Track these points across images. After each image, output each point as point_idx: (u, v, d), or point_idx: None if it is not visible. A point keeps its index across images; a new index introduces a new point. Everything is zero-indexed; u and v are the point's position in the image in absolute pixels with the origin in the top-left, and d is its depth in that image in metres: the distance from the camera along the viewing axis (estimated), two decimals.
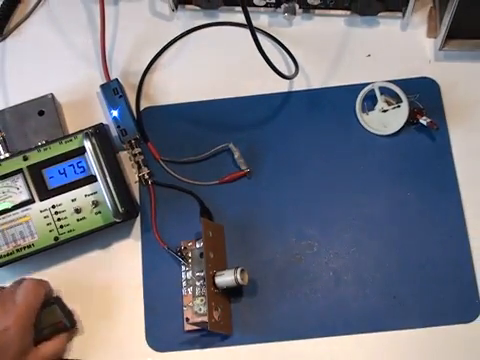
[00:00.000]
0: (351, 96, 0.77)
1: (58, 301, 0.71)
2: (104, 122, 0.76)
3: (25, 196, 0.72)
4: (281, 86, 0.79)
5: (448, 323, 0.69)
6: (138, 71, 0.82)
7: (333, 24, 0.81)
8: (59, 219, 0.72)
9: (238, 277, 0.68)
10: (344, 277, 0.71)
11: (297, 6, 0.79)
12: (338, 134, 0.77)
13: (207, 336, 0.70)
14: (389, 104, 0.75)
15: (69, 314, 0.71)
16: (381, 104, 0.76)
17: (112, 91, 0.77)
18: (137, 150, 0.76)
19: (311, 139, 0.77)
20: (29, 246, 0.72)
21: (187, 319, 0.70)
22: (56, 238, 0.72)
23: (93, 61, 0.83)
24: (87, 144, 0.71)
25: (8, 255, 0.71)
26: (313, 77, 0.79)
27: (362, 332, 0.69)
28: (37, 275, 0.75)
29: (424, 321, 0.69)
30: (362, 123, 0.76)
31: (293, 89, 0.79)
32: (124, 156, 0.78)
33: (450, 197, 0.73)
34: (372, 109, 0.76)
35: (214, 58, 0.82)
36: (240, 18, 0.81)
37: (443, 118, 0.76)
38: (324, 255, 0.72)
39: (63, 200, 0.72)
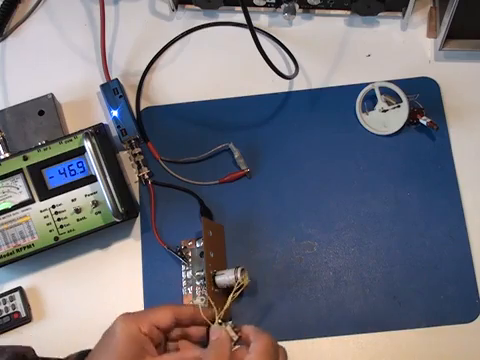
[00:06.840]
0: (351, 96, 0.77)
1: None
2: (104, 122, 0.76)
3: (25, 196, 0.72)
4: (281, 86, 0.79)
5: (448, 323, 0.69)
6: (138, 71, 0.82)
7: (333, 24, 0.81)
8: (59, 219, 0.72)
9: (238, 277, 0.67)
10: (344, 277, 0.71)
11: (297, 6, 0.79)
12: (338, 134, 0.77)
13: None
14: (389, 104, 0.75)
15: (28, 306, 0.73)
16: (381, 104, 0.76)
17: (112, 91, 0.77)
18: (137, 150, 0.76)
19: (311, 139, 0.77)
20: (29, 246, 0.72)
21: None
22: (56, 238, 0.72)
23: (93, 61, 0.83)
24: (87, 144, 0.71)
25: (8, 255, 0.71)
26: (313, 77, 0.79)
27: (362, 332, 0.69)
28: (37, 275, 0.75)
29: (424, 321, 0.69)
30: (362, 123, 0.76)
31: (293, 89, 0.79)
32: (124, 156, 0.78)
33: (450, 197, 0.73)
34: (372, 109, 0.76)
35: (214, 58, 0.82)
36: (240, 18, 0.81)
37: (443, 118, 0.76)
38: (324, 255, 0.72)
39: (63, 200, 0.72)
